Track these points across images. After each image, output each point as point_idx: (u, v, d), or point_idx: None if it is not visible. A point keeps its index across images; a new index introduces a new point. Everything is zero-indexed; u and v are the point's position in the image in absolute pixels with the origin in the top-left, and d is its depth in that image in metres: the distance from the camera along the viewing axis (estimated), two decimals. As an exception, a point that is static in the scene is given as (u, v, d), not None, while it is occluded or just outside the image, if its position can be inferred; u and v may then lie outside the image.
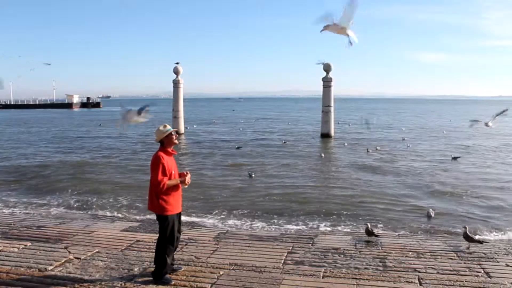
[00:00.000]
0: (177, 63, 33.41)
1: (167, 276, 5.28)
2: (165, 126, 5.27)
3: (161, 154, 5.14)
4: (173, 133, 5.28)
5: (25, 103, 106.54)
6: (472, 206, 11.96)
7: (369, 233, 7.48)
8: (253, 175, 16.01)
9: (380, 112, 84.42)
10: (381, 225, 9.89)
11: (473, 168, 18.53)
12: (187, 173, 5.36)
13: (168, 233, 5.16)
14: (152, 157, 5.17)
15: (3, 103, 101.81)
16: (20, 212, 10.58)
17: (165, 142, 5.23)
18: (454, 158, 20.26)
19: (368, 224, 7.83)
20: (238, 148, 24.82)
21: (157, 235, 5.33)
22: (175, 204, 5.22)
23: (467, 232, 7.02)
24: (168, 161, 5.15)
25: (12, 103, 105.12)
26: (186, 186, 5.32)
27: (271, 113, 77.19)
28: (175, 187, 5.19)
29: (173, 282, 5.20)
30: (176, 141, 5.33)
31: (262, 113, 75.57)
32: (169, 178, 5.10)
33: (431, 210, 10.75)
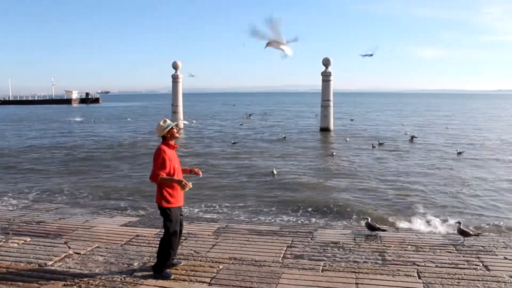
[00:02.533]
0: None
1: (167, 270, 5.30)
2: (165, 121, 5.29)
3: (164, 147, 5.19)
4: (174, 127, 5.32)
5: (24, 99, 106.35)
6: (473, 200, 11.99)
7: (371, 227, 7.45)
8: (275, 172, 15.63)
9: (380, 107, 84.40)
10: (381, 219, 9.89)
11: (477, 162, 18.48)
12: (198, 171, 5.58)
13: (171, 226, 5.19)
14: (155, 151, 5.21)
15: (1, 99, 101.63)
16: (19, 208, 10.57)
17: (167, 137, 5.27)
18: (459, 153, 20.30)
19: (368, 218, 7.81)
20: (234, 143, 24.80)
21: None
22: (178, 197, 5.27)
23: (461, 227, 7.01)
24: (171, 155, 5.19)
25: (11, 99, 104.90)
26: (186, 189, 5.17)
27: (271, 108, 77.12)
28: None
29: (172, 277, 5.22)
30: (177, 135, 5.39)
31: (262, 108, 75.48)
32: (173, 172, 5.15)
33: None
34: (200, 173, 5.63)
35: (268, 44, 6.78)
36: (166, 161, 5.08)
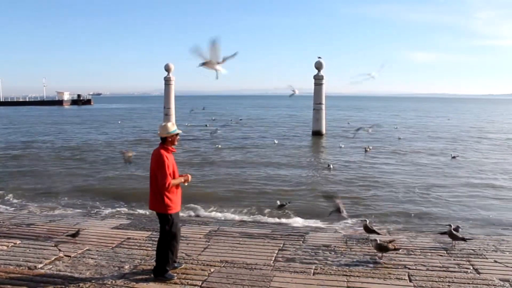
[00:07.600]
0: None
1: (170, 272, 5.29)
2: (173, 125, 5.33)
3: (163, 152, 5.18)
4: (175, 135, 5.31)
5: (15, 100, 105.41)
6: (467, 204, 12.06)
7: (369, 230, 7.39)
8: (331, 166, 17.49)
9: (373, 111, 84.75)
10: (373, 223, 9.91)
11: (472, 167, 18.45)
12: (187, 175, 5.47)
13: (172, 231, 5.21)
14: (155, 155, 5.19)
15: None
16: (9, 210, 10.47)
17: (167, 141, 5.28)
18: (453, 157, 20.37)
19: (367, 220, 7.71)
20: (217, 146, 24.72)
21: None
22: (178, 202, 5.33)
23: (452, 230, 7.04)
24: (170, 159, 5.21)
25: (1, 100, 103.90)
26: (186, 184, 5.45)
27: (262, 111, 77.11)
28: (177, 186, 5.28)
29: (176, 277, 5.22)
30: (176, 143, 5.39)
31: (253, 111, 75.50)
32: (172, 176, 5.18)
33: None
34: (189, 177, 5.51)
35: (203, 64, 6.68)
36: (169, 167, 5.12)
